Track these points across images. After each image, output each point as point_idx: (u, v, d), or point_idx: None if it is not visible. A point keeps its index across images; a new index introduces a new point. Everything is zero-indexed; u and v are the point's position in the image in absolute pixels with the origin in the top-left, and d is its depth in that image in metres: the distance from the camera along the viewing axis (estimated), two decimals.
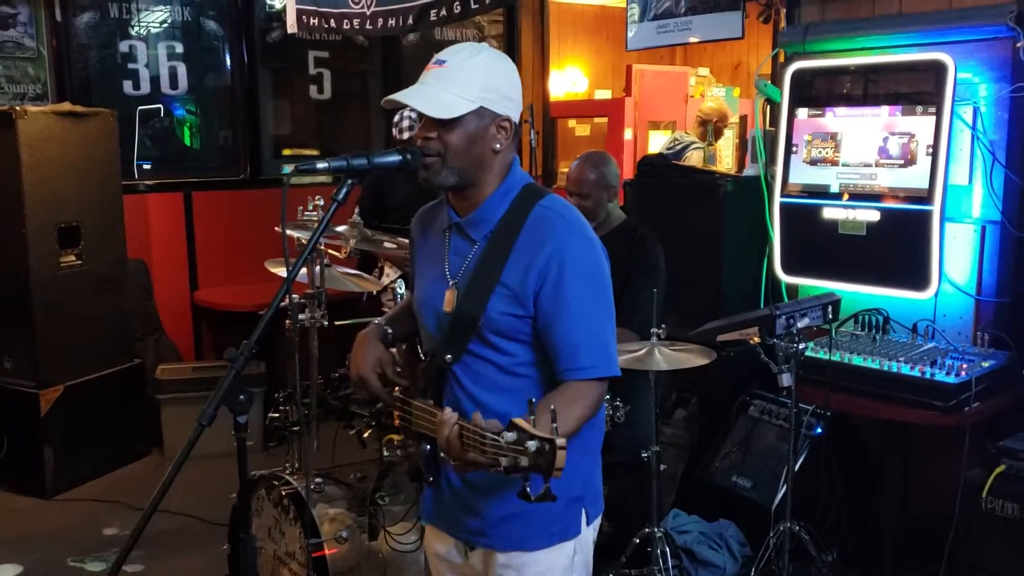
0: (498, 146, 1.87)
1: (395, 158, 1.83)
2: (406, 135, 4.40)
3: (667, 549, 3.26)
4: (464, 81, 1.81)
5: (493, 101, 1.83)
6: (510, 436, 1.50)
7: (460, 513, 1.99)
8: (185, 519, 4.31)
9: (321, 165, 1.79)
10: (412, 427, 1.96)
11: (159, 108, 5.99)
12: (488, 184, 1.90)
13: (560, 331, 1.83)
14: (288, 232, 3.28)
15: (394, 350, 2.07)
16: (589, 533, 2.00)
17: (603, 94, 7.87)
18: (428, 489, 2.06)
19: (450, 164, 1.84)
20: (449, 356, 1.89)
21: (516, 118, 1.89)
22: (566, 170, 6.86)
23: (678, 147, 6.21)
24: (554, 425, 1.48)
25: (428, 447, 1.92)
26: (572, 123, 7.33)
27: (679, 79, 7.30)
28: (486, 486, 1.90)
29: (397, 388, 2.01)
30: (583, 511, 1.97)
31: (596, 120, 7.18)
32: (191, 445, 1.67)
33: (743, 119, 7.05)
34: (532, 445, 1.47)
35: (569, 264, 1.82)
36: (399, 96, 1.83)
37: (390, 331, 2.08)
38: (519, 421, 1.50)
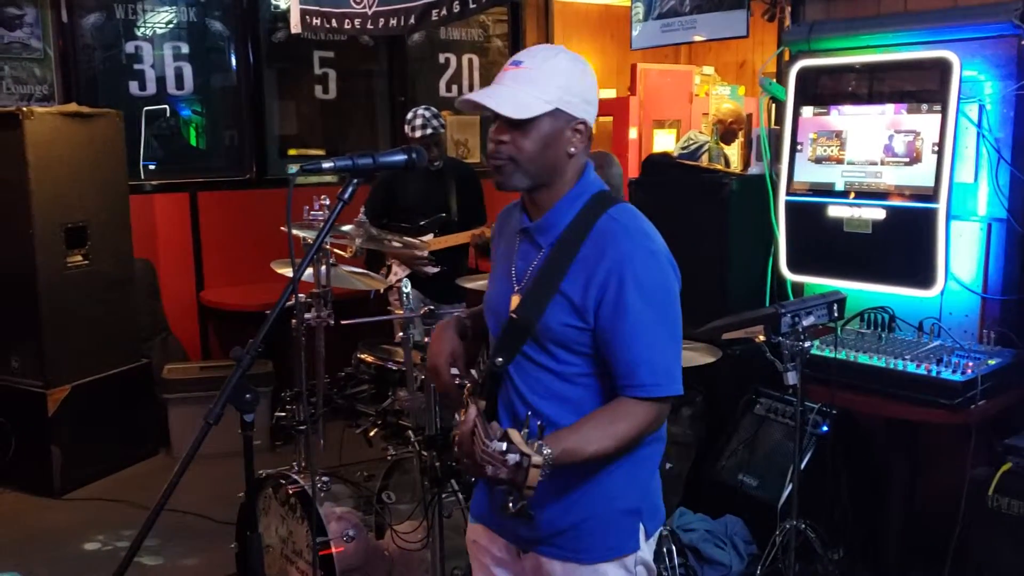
0: (572, 150, 1.84)
1: (401, 157, 1.84)
2: (418, 133, 4.40)
3: (673, 548, 3.26)
4: (542, 82, 1.77)
5: (571, 103, 1.80)
6: (498, 446, 1.47)
7: (514, 520, 1.96)
8: (193, 518, 4.33)
9: (327, 165, 1.80)
10: None
11: (165, 109, 6.01)
12: (560, 188, 1.87)
13: (618, 347, 1.79)
14: (294, 232, 3.28)
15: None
16: (648, 549, 1.95)
17: (607, 93, 7.86)
18: (481, 488, 2.04)
19: (523, 168, 1.81)
20: (500, 359, 1.87)
21: (591, 122, 1.86)
22: None
23: (692, 146, 6.22)
24: (539, 443, 1.47)
25: None
26: None
27: (684, 78, 7.31)
28: (543, 498, 1.84)
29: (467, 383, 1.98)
30: (641, 525, 1.92)
31: (600, 119, 7.18)
32: (198, 443, 1.68)
33: (748, 117, 7.05)
34: (512, 458, 1.45)
35: (629, 278, 1.77)
36: (475, 96, 1.79)
37: (469, 324, 2.08)
38: (512, 432, 1.48)
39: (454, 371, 1.97)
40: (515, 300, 1.89)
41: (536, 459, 1.43)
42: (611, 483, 1.87)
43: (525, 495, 1.44)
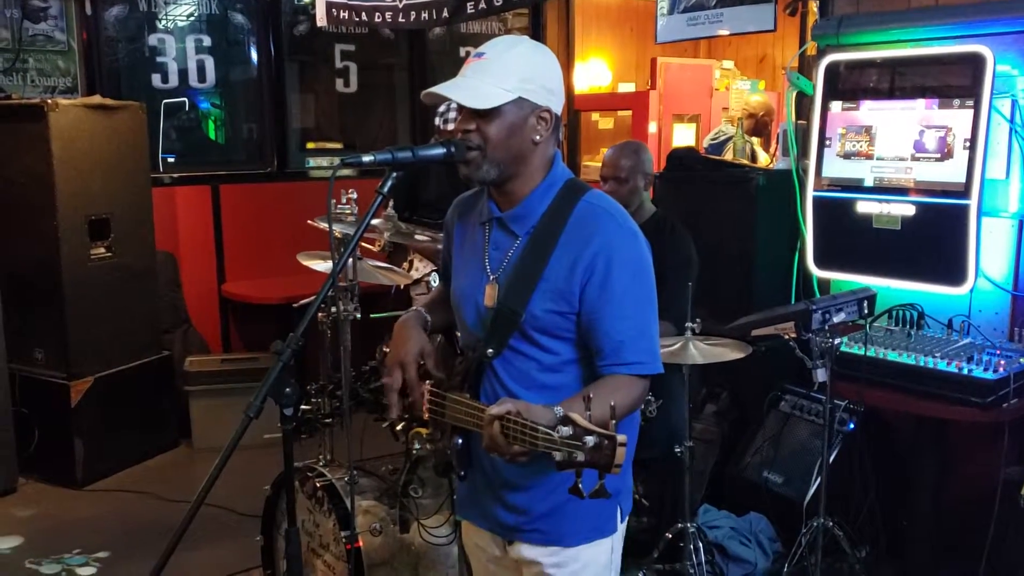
0: (538, 137, 1.85)
1: (440, 151, 1.82)
2: (451, 126, 4.36)
3: (699, 544, 3.25)
4: (502, 72, 1.80)
5: (532, 91, 1.81)
6: (565, 431, 1.46)
7: (496, 508, 1.97)
8: (214, 510, 4.32)
9: (367, 159, 1.78)
10: (445, 419, 1.93)
11: (184, 101, 6.01)
12: (530, 178, 1.88)
13: (606, 326, 1.81)
14: (321, 225, 3.28)
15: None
16: (622, 529, 2.00)
17: (627, 87, 7.84)
18: (462, 484, 2.05)
19: (490, 157, 1.82)
20: (491, 350, 1.87)
21: (557, 109, 1.87)
22: (589, 164, 6.89)
23: (721, 138, 6.18)
24: (613, 421, 1.46)
25: (460, 440, 1.90)
26: (595, 116, 7.31)
27: (704, 72, 7.26)
28: (523, 483, 1.89)
29: (430, 381, 1.97)
30: (618, 507, 1.97)
31: (619, 113, 7.16)
32: (238, 437, 1.68)
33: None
34: (590, 440, 1.43)
35: (617, 259, 1.80)
36: (438, 88, 1.82)
37: (430, 320, 2.06)
38: (575, 416, 1.47)
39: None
40: (490, 290, 1.89)
41: (621, 437, 1.42)
42: None
43: (614, 472, 1.43)
